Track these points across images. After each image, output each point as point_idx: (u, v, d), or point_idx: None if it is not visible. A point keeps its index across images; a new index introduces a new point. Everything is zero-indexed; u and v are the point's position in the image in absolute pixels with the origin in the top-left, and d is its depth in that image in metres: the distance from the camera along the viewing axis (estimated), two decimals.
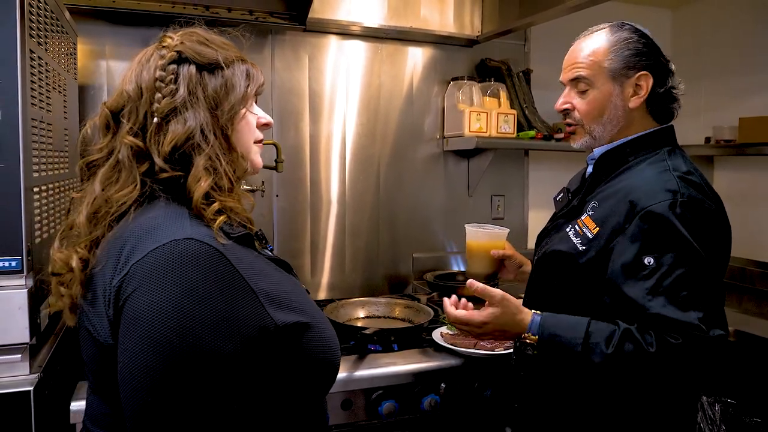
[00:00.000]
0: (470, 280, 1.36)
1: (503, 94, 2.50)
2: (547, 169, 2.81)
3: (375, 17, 2.37)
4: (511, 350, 1.61)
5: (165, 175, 0.84)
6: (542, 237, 1.47)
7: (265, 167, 2.16)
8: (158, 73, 0.85)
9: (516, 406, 1.49)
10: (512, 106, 2.53)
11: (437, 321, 1.86)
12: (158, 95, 0.85)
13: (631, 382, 1.21)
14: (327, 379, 0.93)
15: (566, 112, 1.36)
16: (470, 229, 1.74)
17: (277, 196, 2.34)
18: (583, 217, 1.29)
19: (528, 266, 1.73)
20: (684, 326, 1.11)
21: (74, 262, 0.82)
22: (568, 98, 1.35)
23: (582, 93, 1.32)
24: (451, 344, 1.64)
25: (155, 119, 0.84)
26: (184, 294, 0.74)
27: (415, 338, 1.74)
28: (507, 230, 1.75)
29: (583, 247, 1.25)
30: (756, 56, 2.60)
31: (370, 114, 2.47)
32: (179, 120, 0.84)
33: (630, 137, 1.30)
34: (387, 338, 1.67)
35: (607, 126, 1.30)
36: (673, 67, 1.31)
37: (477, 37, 2.51)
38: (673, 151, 1.29)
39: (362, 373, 1.53)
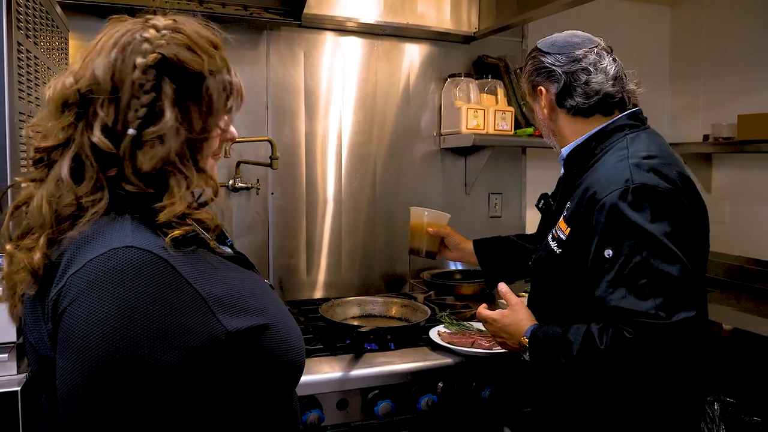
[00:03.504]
0: (500, 284, 1.45)
1: (500, 91, 2.48)
2: (544, 168, 2.79)
3: (371, 13, 2.35)
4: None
5: (134, 190, 0.77)
6: (536, 240, 1.52)
7: (259, 164, 2.14)
8: (137, 74, 0.76)
9: (520, 407, 1.49)
10: (510, 104, 2.51)
11: (434, 320, 1.84)
12: (135, 102, 0.76)
13: (595, 380, 1.24)
14: (290, 380, 0.89)
15: None
16: (414, 209, 1.99)
17: (272, 194, 2.31)
18: (559, 220, 1.31)
19: (468, 245, 1.89)
20: (639, 316, 1.11)
21: (36, 260, 0.74)
22: None
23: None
24: (449, 343, 1.62)
25: (130, 130, 0.75)
26: (122, 307, 0.69)
27: (412, 337, 1.72)
28: (448, 215, 1.99)
29: (560, 250, 1.28)
30: (755, 53, 2.59)
31: (366, 111, 2.45)
32: (158, 141, 0.76)
33: (592, 132, 1.33)
34: (383, 337, 1.65)
35: (549, 138, 1.44)
36: (588, 56, 1.31)
37: (474, 33, 2.48)
38: (638, 135, 1.30)
39: (358, 372, 1.50)
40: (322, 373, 1.48)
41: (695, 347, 1.17)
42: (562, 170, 1.41)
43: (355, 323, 1.87)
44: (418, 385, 1.54)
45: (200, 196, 0.84)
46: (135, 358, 0.68)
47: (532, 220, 2.77)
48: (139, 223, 0.77)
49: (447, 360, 1.59)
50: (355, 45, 2.41)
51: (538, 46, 1.37)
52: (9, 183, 1.12)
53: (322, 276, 2.42)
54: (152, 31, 0.79)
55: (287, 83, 2.32)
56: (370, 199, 2.47)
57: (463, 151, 2.58)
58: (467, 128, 2.36)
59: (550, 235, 1.32)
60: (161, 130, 0.76)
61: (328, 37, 2.37)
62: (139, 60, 0.76)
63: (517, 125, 2.48)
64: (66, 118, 0.76)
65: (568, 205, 1.30)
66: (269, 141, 2.04)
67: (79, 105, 0.76)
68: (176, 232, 0.75)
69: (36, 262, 0.74)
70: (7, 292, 0.79)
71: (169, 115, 0.77)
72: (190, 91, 0.80)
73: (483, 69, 2.56)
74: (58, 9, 1.66)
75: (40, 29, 1.41)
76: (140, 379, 0.69)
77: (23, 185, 0.81)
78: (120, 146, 0.76)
